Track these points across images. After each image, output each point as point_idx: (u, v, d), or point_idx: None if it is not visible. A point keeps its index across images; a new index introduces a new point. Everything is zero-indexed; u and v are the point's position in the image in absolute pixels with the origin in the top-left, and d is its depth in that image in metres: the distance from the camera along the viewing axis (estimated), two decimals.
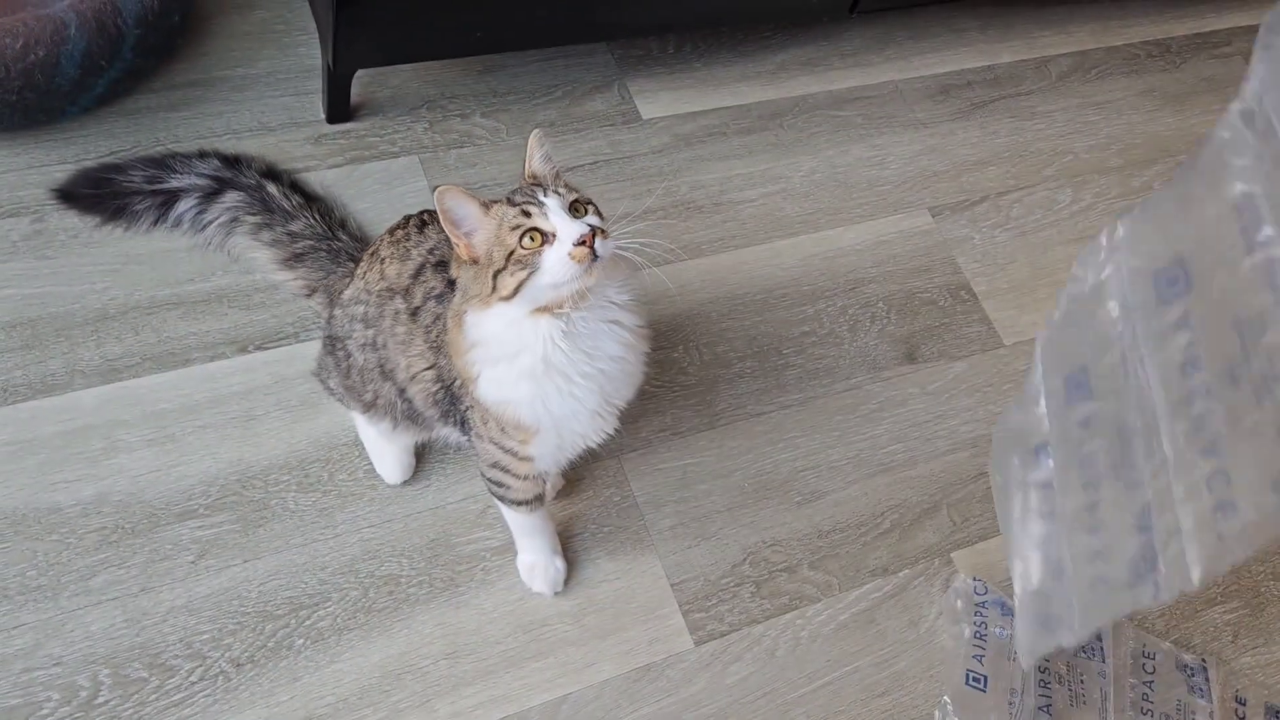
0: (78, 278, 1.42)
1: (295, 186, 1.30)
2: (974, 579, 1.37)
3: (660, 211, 1.68)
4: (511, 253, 0.96)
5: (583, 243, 0.95)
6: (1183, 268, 0.71)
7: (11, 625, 1.17)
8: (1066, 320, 0.84)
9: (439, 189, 0.96)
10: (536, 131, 1.06)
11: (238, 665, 1.19)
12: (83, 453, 1.29)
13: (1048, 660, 1.30)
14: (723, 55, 1.93)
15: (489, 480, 1.17)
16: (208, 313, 1.43)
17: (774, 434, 1.50)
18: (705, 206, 1.71)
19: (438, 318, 1.08)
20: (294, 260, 1.28)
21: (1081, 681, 1.31)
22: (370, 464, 1.34)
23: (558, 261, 0.95)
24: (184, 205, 1.25)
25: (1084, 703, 1.30)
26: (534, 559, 1.28)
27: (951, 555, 1.43)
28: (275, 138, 1.62)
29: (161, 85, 1.64)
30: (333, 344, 1.21)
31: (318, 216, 1.29)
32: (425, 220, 1.16)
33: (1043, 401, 0.86)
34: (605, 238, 0.97)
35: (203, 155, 1.27)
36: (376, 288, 1.13)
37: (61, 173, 1.24)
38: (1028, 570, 0.87)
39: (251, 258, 1.29)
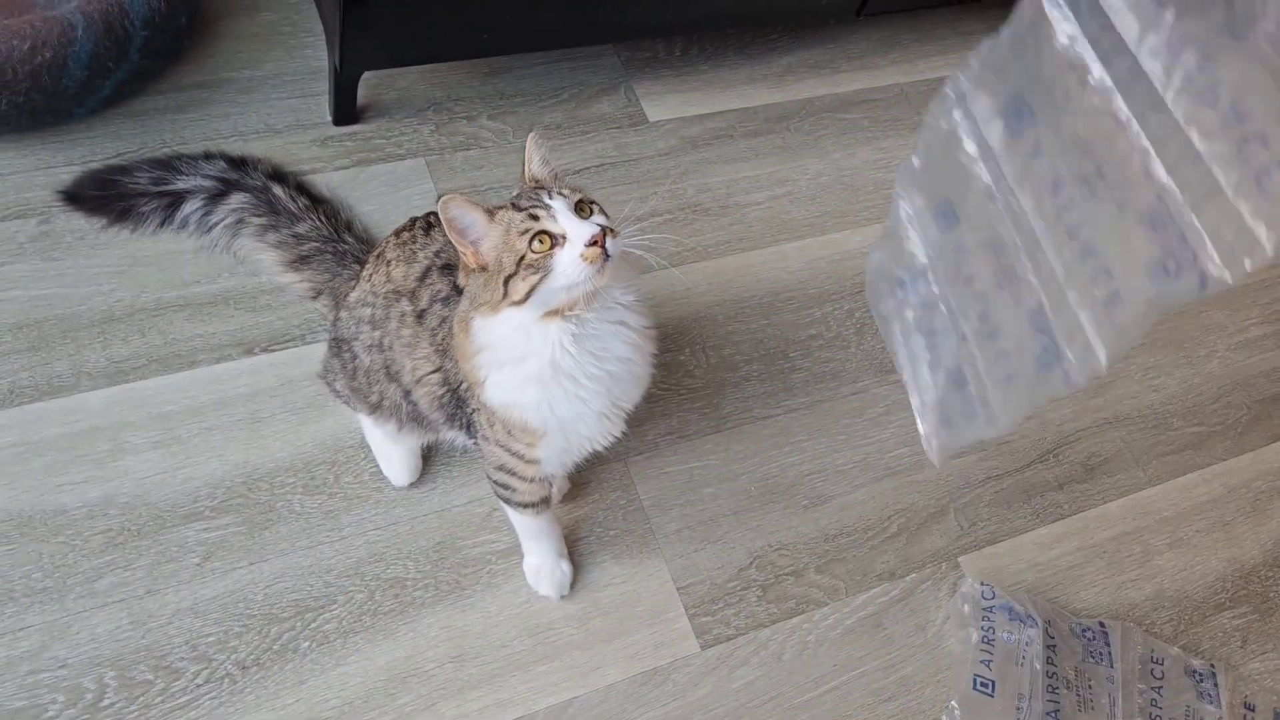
0: (84, 279, 1.42)
1: (301, 188, 1.30)
2: (981, 583, 1.36)
3: (666, 214, 1.68)
4: (522, 257, 0.96)
5: (594, 243, 0.95)
6: (1025, 103, 0.81)
7: (17, 627, 1.17)
8: (925, 163, 0.93)
9: (443, 199, 0.95)
10: (534, 134, 1.06)
11: (243, 668, 1.19)
12: (89, 455, 1.29)
13: (1055, 666, 1.29)
14: (729, 58, 1.93)
15: (495, 483, 1.17)
16: (214, 315, 1.43)
17: (780, 437, 1.49)
18: (712, 209, 1.71)
19: (444, 320, 1.08)
20: (300, 262, 1.28)
21: (1090, 687, 1.30)
22: (376, 466, 1.34)
23: (570, 263, 0.95)
24: (190, 207, 1.24)
25: (1092, 708, 1.29)
26: (540, 562, 1.28)
27: (959, 559, 1.43)
28: (282, 140, 1.62)
29: (168, 87, 1.64)
30: (339, 346, 1.21)
31: (324, 218, 1.28)
32: (431, 222, 1.15)
33: (912, 234, 0.95)
34: (615, 236, 0.97)
35: (209, 157, 1.26)
36: (383, 289, 1.13)
37: (68, 174, 1.24)
38: (922, 383, 0.96)
39: (257, 259, 1.29)
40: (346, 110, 1.65)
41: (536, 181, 1.04)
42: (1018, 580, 1.43)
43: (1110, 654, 1.34)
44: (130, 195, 1.23)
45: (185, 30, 1.62)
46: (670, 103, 1.83)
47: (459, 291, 1.05)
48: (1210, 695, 1.34)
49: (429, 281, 1.10)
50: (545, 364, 1.00)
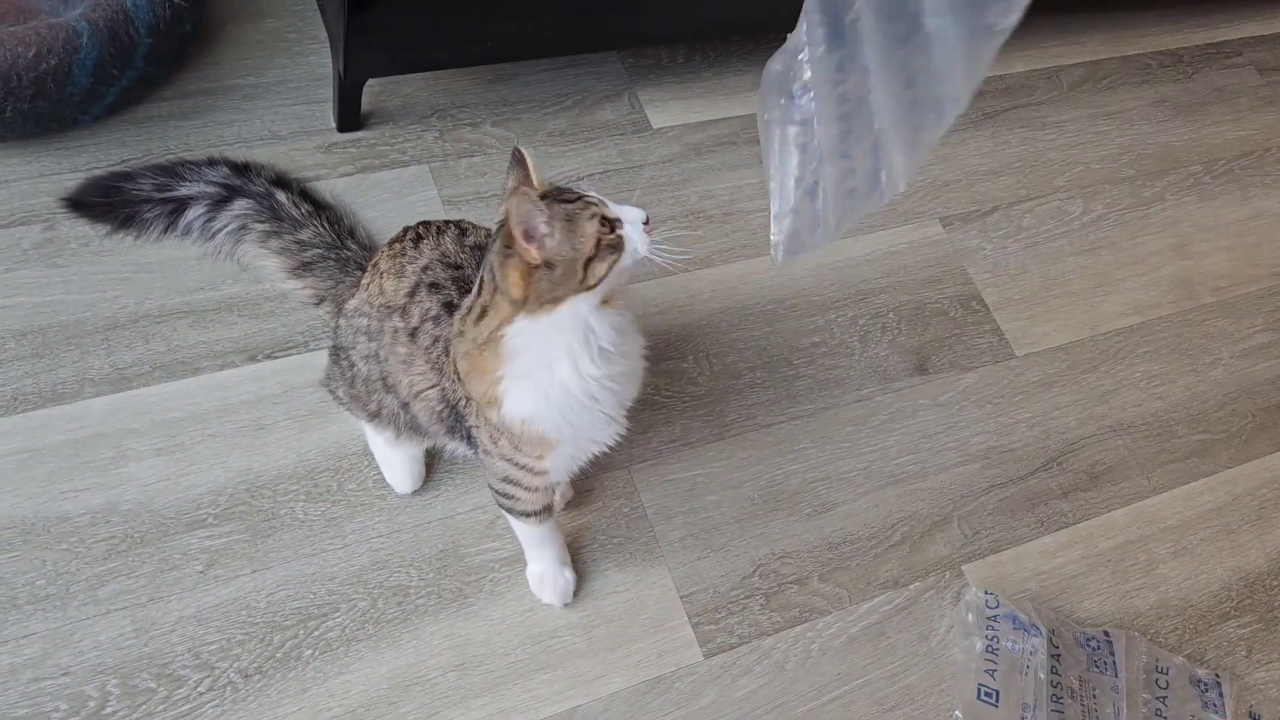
0: (88, 286, 1.42)
1: (305, 194, 1.30)
2: (985, 592, 1.36)
3: (671, 221, 1.68)
4: (599, 240, 0.98)
5: (647, 221, 1.00)
6: None
7: (20, 634, 1.17)
8: None
9: (512, 197, 0.95)
10: (525, 149, 1.06)
11: (246, 676, 1.18)
12: (92, 461, 1.29)
13: (1060, 675, 1.29)
14: (733, 64, 1.93)
15: (497, 493, 1.17)
16: (217, 321, 1.43)
17: (784, 445, 1.49)
18: (715, 216, 1.71)
19: (436, 340, 1.08)
20: (302, 269, 1.28)
21: (1094, 696, 1.30)
22: (379, 474, 1.34)
23: (640, 239, 0.99)
24: (193, 213, 1.24)
25: (1096, 717, 1.29)
26: (543, 570, 1.28)
27: (963, 568, 1.42)
28: (286, 146, 1.62)
29: (173, 94, 1.64)
30: (338, 353, 1.21)
31: (327, 225, 1.28)
32: (420, 234, 1.15)
33: (805, 50, 1.00)
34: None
35: (212, 163, 1.26)
36: (377, 302, 1.13)
37: (73, 181, 1.24)
38: (785, 192, 1.03)
39: (260, 266, 1.29)
40: (350, 117, 1.65)
41: (545, 184, 1.05)
42: (1022, 589, 1.42)
43: (1114, 663, 1.33)
44: (134, 202, 1.23)
45: (190, 37, 1.62)
46: (674, 109, 1.83)
47: (449, 310, 1.06)
48: (1215, 705, 1.34)
49: (418, 298, 1.09)
50: (585, 359, 1.01)
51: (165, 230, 1.25)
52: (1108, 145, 2.00)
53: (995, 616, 1.33)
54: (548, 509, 1.20)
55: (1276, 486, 1.62)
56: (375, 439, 1.31)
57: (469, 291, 1.05)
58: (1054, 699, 1.27)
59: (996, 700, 1.27)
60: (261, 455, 1.33)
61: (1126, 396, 1.67)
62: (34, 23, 1.41)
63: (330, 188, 1.50)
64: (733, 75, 1.91)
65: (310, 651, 1.21)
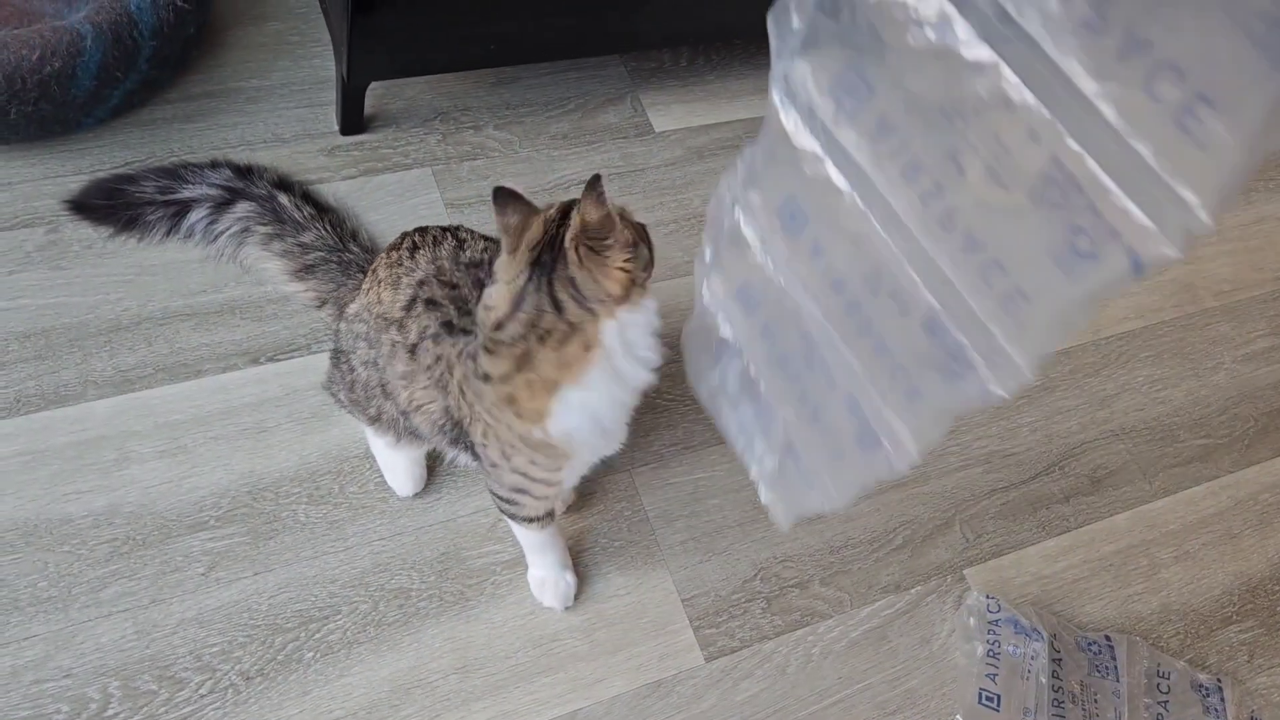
0: (91, 288, 1.43)
1: (307, 197, 1.30)
2: (987, 596, 1.36)
3: (673, 224, 1.68)
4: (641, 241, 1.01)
5: None
6: (797, 204, 0.86)
7: (22, 636, 1.17)
8: (721, 254, 0.96)
9: (592, 202, 0.94)
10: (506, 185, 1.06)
11: (247, 678, 1.19)
12: (95, 463, 1.29)
13: (1061, 679, 1.29)
14: (736, 68, 1.93)
15: (501, 499, 1.16)
16: (220, 324, 1.43)
17: None
18: None
19: (439, 359, 1.07)
20: (305, 271, 1.28)
21: (1095, 701, 1.30)
22: (381, 476, 1.34)
23: None
24: (196, 215, 1.24)
25: None
26: (544, 574, 1.28)
27: (964, 572, 1.42)
28: (289, 149, 1.62)
29: (176, 96, 1.65)
30: (339, 357, 1.21)
31: (329, 227, 1.28)
32: (416, 244, 1.13)
33: (719, 316, 0.98)
34: None
35: (215, 165, 1.26)
36: (374, 311, 1.12)
37: (76, 183, 1.24)
38: (759, 454, 0.98)
39: (263, 268, 1.29)
40: (353, 120, 1.65)
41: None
42: (1023, 593, 1.42)
43: (1116, 668, 1.33)
44: (137, 204, 1.23)
45: (193, 40, 1.63)
46: (676, 113, 1.84)
47: (448, 329, 1.05)
48: (1216, 710, 1.34)
49: (414, 313, 1.08)
50: (638, 363, 1.01)
51: (168, 233, 1.25)
52: None
53: (997, 621, 1.33)
54: (550, 514, 1.20)
55: (1278, 491, 1.61)
56: (376, 442, 1.31)
57: (465, 310, 1.05)
58: (1055, 703, 1.27)
59: (998, 705, 1.27)
60: (264, 458, 1.34)
61: (1128, 401, 1.67)
62: (38, 26, 1.41)
63: (333, 190, 1.50)
64: (735, 78, 1.91)
65: (312, 654, 1.21)
